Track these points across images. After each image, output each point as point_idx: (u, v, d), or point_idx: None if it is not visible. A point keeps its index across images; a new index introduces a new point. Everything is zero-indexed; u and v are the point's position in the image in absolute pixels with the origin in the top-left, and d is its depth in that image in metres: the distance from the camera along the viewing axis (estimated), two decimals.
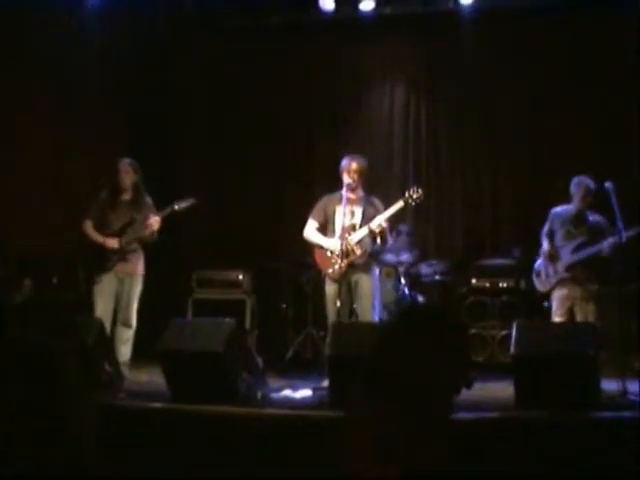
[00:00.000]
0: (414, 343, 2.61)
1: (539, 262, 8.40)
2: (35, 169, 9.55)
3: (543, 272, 8.29)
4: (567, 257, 8.14)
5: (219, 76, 11.80)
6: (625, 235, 7.42)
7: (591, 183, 8.10)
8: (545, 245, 8.33)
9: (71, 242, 8.81)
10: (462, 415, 6.23)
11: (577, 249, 8.11)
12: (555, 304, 8.20)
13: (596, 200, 7.94)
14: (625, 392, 6.92)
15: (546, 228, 8.38)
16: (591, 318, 7.96)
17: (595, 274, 8.11)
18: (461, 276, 10.45)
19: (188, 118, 11.99)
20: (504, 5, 10.50)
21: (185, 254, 11.32)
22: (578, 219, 8.19)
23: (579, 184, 8.14)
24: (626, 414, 6.25)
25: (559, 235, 8.27)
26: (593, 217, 8.18)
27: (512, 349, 6.64)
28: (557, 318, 8.10)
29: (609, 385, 6.92)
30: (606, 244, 7.86)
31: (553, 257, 8.21)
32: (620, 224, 7.42)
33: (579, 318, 8.03)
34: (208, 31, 11.40)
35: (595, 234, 8.06)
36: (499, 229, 11.11)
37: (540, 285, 8.33)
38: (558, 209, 8.35)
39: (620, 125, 10.28)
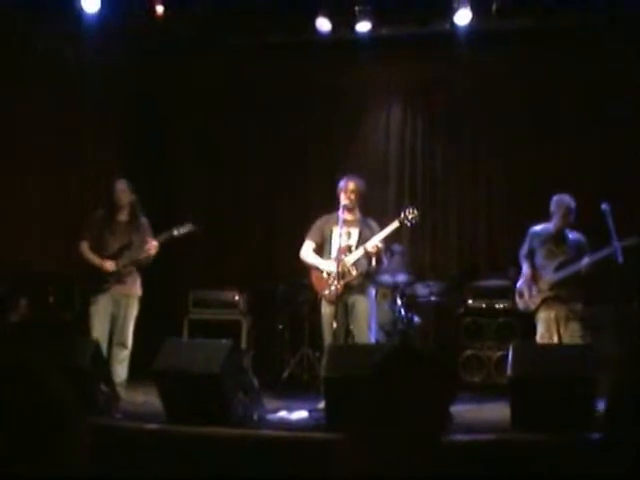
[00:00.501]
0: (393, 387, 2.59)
1: (520, 282, 8.38)
2: (32, 186, 9.53)
3: (526, 292, 8.26)
4: (550, 275, 8.13)
5: (215, 94, 11.80)
6: (621, 255, 7.43)
7: (571, 202, 8.12)
8: (525, 268, 8.34)
9: (68, 262, 8.79)
10: (458, 437, 6.25)
11: (559, 267, 8.10)
12: (542, 326, 8.15)
13: (592, 221, 7.94)
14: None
15: (525, 249, 8.38)
16: (576, 337, 7.97)
17: (580, 292, 8.13)
18: (457, 297, 10.44)
19: (184, 136, 11.99)
20: (500, 27, 10.50)
21: (181, 274, 11.32)
22: (558, 237, 8.20)
23: (559, 202, 8.14)
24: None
25: (540, 254, 8.26)
26: (573, 235, 8.20)
27: (509, 371, 6.64)
28: (544, 340, 8.07)
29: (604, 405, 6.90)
30: (585, 262, 7.89)
31: (535, 278, 8.22)
32: (617, 245, 7.43)
33: (565, 338, 8.01)
34: (205, 49, 11.40)
35: (576, 252, 8.08)
36: (495, 250, 11.12)
37: (523, 305, 8.30)
38: (537, 228, 8.34)
39: (618, 147, 10.32)
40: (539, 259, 8.25)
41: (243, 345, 10.05)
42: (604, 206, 7.60)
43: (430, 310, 10.50)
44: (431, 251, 11.42)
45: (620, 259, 7.41)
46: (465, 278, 10.68)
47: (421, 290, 10.44)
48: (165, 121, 11.90)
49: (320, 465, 5.76)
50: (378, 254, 8.07)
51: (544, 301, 8.11)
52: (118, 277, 8.30)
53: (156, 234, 8.47)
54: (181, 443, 6.33)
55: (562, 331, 8.05)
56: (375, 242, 8.02)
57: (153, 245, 8.31)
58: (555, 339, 8.04)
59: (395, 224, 8.14)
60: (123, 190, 8.44)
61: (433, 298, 10.45)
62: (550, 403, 6.34)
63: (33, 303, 9.06)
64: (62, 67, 9.82)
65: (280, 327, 10.59)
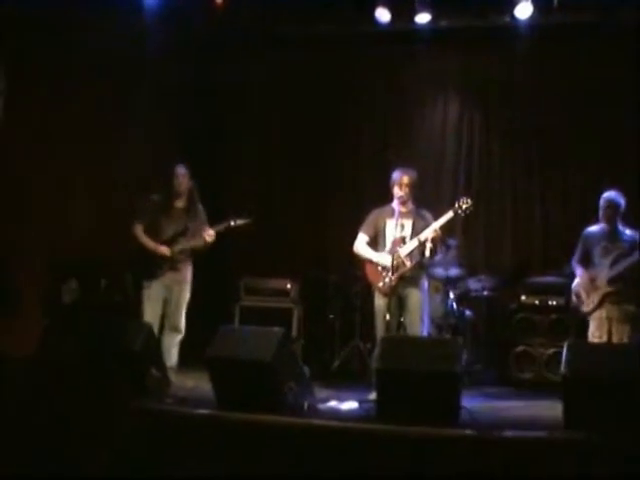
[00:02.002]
0: None
1: (575, 284, 8.35)
2: (85, 170, 9.57)
3: (583, 292, 8.22)
4: (607, 272, 8.09)
5: (269, 85, 11.81)
6: None
7: (620, 198, 8.13)
8: (579, 271, 8.30)
9: (121, 246, 8.83)
10: (509, 433, 6.22)
11: (615, 262, 8.07)
12: (594, 325, 8.14)
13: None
14: None
15: (578, 255, 8.39)
16: (625, 339, 7.94)
17: (637, 292, 8.05)
18: (510, 292, 10.37)
19: (239, 126, 12.01)
20: (562, 21, 10.39)
21: (234, 261, 11.35)
22: (612, 235, 8.18)
23: (607, 200, 8.17)
24: None
25: (595, 253, 8.24)
26: (628, 231, 8.18)
27: (563, 369, 6.55)
28: (595, 339, 8.05)
29: None
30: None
31: (592, 278, 8.16)
32: None
33: (615, 339, 7.98)
34: (261, 40, 11.41)
35: (631, 247, 8.05)
36: (549, 246, 11.01)
37: (582, 305, 8.25)
38: (590, 229, 8.36)
39: None
40: (595, 258, 8.22)
41: (293, 334, 10.07)
42: None
43: (482, 305, 10.45)
44: (485, 246, 11.34)
45: None
46: (519, 274, 10.60)
47: (474, 284, 10.39)
48: (219, 111, 11.90)
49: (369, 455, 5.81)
50: (435, 242, 8.02)
51: (602, 300, 8.04)
52: (172, 263, 8.33)
53: (210, 222, 8.49)
54: (230, 429, 6.35)
55: (613, 331, 8.00)
56: (430, 232, 7.97)
57: (210, 234, 8.33)
58: (605, 338, 7.99)
59: (450, 214, 8.09)
60: (184, 175, 8.46)
61: (485, 293, 10.40)
62: (604, 402, 6.27)
63: (84, 286, 9.13)
64: (121, 59, 9.85)
65: (331, 317, 10.61)
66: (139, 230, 8.41)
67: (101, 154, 9.71)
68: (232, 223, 8.41)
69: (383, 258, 8.11)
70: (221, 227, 8.41)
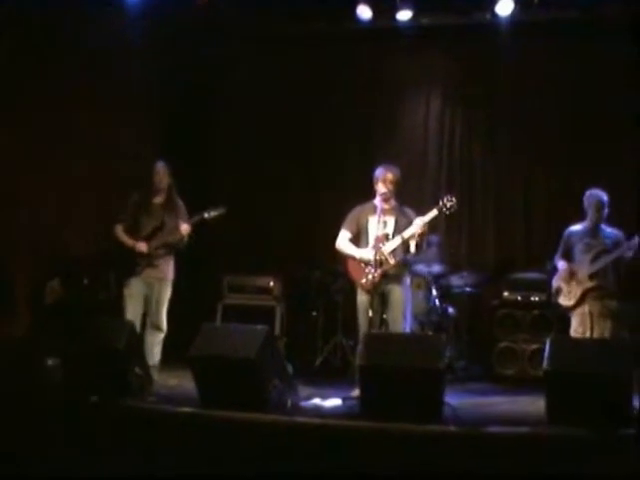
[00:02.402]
0: None
1: (556, 279, 8.38)
2: (70, 169, 9.54)
3: (564, 285, 8.25)
4: (588, 267, 8.12)
5: (252, 81, 11.79)
6: None
7: (603, 196, 8.16)
8: (561, 264, 8.34)
9: (104, 244, 8.82)
10: (493, 429, 6.24)
11: (596, 257, 8.11)
12: (576, 321, 8.17)
13: (631, 217, 7.89)
14: None
15: (560, 251, 8.42)
16: (607, 334, 7.98)
17: (618, 288, 8.11)
18: (492, 289, 10.41)
19: (222, 123, 12.01)
20: (542, 18, 10.42)
21: (216, 259, 11.34)
22: (595, 232, 8.22)
23: (591, 197, 8.20)
24: None
25: (577, 249, 8.28)
26: (609, 230, 8.22)
27: (545, 364, 6.59)
28: (577, 335, 8.07)
29: None
30: (624, 248, 7.87)
31: (573, 273, 8.19)
32: None
33: (596, 334, 8.01)
34: (246, 39, 11.40)
35: (613, 244, 8.09)
36: (532, 242, 11.05)
37: (565, 300, 8.27)
38: (573, 228, 8.39)
39: None
40: (577, 255, 8.25)
41: (276, 331, 10.05)
42: None
43: (465, 301, 10.48)
44: (467, 242, 11.38)
45: None
46: (501, 270, 10.64)
47: (456, 281, 10.41)
48: (203, 107, 11.89)
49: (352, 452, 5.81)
50: (422, 238, 8.02)
51: (584, 294, 8.07)
52: (150, 260, 8.31)
53: (189, 218, 8.48)
54: (214, 427, 6.36)
55: (595, 327, 8.03)
56: (414, 229, 7.96)
57: (184, 227, 8.32)
58: (588, 334, 8.02)
59: (434, 212, 8.06)
60: (163, 171, 8.45)
61: (468, 289, 10.42)
62: (586, 398, 6.30)
63: (67, 285, 9.12)
64: (103, 57, 9.83)
65: (314, 314, 10.63)
66: (119, 229, 8.42)
67: (84, 152, 9.68)
68: (206, 215, 8.38)
69: (366, 254, 8.09)
70: (196, 219, 8.39)
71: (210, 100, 11.94)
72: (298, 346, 10.40)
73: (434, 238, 10.05)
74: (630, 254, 7.93)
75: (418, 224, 7.97)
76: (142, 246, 8.30)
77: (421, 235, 8.01)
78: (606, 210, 8.15)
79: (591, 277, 8.07)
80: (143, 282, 8.33)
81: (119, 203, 8.69)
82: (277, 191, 11.72)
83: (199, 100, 11.83)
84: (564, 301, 8.25)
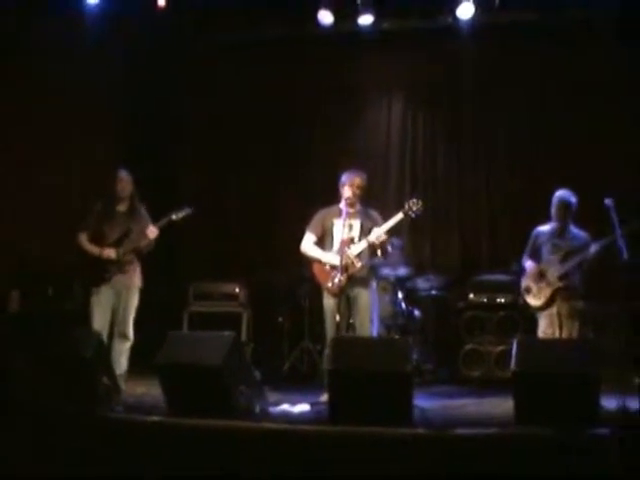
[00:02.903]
0: None
1: (524, 279, 8.39)
2: (32, 179, 9.48)
3: (534, 287, 8.27)
4: (557, 267, 8.15)
5: (216, 88, 11.77)
6: (625, 251, 7.40)
7: (571, 196, 8.18)
8: (529, 264, 8.36)
9: (68, 253, 8.75)
10: (462, 431, 6.24)
11: (565, 258, 8.13)
12: (545, 322, 8.18)
13: (596, 216, 7.91)
14: (625, 409, 6.89)
15: (528, 250, 8.43)
16: (574, 335, 8.02)
17: (585, 289, 8.15)
18: (458, 291, 10.44)
19: (185, 129, 11.97)
20: (503, 20, 10.50)
21: (182, 267, 11.31)
22: (562, 233, 8.24)
23: (559, 198, 8.21)
24: (626, 431, 6.23)
25: (545, 250, 8.29)
26: (577, 231, 8.25)
27: (513, 365, 6.61)
28: (546, 336, 8.08)
29: (608, 402, 6.89)
30: (592, 249, 7.92)
31: (542, 273, 8.22)
32: (621, 241, 7.42)
33: (564, 334, 8.04)
34: (205, 43, 11.38)
35: (581, 246, 8.10)
36: (496, 244, 11.11)
37: (533, 300, 8.29)
38: (541, 228, 8.41)
39: (623, 140, 10.32)
40: (545, 255, 8.27)
41: (243, 338, 10.04)
42: (607, 201, 7.58)
43: (431, 304, 10.50)
44: (432, 245, 11.43)
45: (625, 255, 7.38)
46: (466, 272, 10.68)
47: (422, 284, 10.44)
48: (165, 112, 11.85)
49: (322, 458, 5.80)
50: (383, 245, 8.04)
51: (553, 295, 8.11)
52: (119, 266, 8.27)
53: (155, 222, 8.44)
54: (183, 435, 6.32)
55: (563, 327, 8.06)
56: (379, 233, 7.98)
57: (152, 230, 8.30)
58: (557, 334, 8.05)
59: (399, 215, 8.08)
60: (126, 180, 8.42)
61: (434, 292, 10.46)
62: (554, 398, 6.33)
63: (28, 296, 9.06)
64: (63, 60, 9.76)
65: (280, 319, 10.63)
66: (83, 238, 8.37)
67: (43, 160, 9.61)
68: (174, 217, 8.39)
69: (332, 257, 8.10)
70: (163, 222, 8.38)
71: (174, 104, 11.90)
72: (265, 352, 10.37)
73: (396, 241, 10.05)
74: (594, 255, 7.97)
75: (382, 230, 7.99)
76: (111, 252, 8.25)
77: (383, 244, 8.03)
78: (573, 211, 8.18)
79: (561, 278, 8.10)
80: (113, 290, 8.28)
81: (82, 211, 8.63)
82: (241, 197, 11.72)
83: (163, 104, 11.78)
84: (533, 301, 8.28)
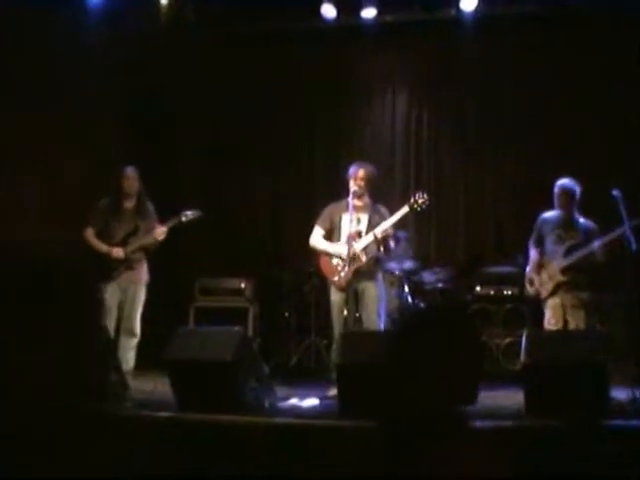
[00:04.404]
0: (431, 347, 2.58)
1: (529, 269, 8.38)
2: (35, 175, 9.44)
3: (536, 279, 8.25)
4: (560, 261, 8.11)
5: (219, 84, 11.73)
6: (634, 240, 7.38)
7: (575, 186, 8.14)
8: (533, 254, 8.33)
9: (73, 250, 8.72)
10: (478, 424, 6.22)
11: (568, 252, 8.08)
12: (549, 312, 8.15)
13: (604, 208, 7.89)
14: (635, 400, 6.89)
15: (533, 237, 8.39)
16: (581, 325, 7.97)
17: (590, 280, 8.11)
18: (464, 284, 10.42)
19: (190, 125, 11.94)
20: (506, 13, 10.48)
21: (188, 262, 11.28)
22: (567, 223, 8.19)
23: (562, 187, 8.17)
24: (636, 422, 6.23)
25: (549, 240, 8.25)
26: (582, 221, 8.19)
27: (523, 357, 6.60)
28: (551, 327, 8.07)
29: (618, 393, 6.88)
30: (596, 244, 7.88)
31: (544, 264, 8.20)
32: (629, 232, 7.39)
33: (571, 325, 8.00)
34: (208, 38, 11.35)
35: (585, 237, 8.06)
36: (502, 236, 11.08)
37: (535, 292, 8.28)
38: (546, 215, 8.35)
39: (626, 133, 10.30)
40: (548, 245, 8.23)
41: (249, 333, 10.02)
42: (615, 192, 7.56)
43: (437, 297, 10.46)
44: (438, 238, 11.41)
45: (634, 246, 7.35)
46: (473, 265, 10.65)
47: (428, 277, 10.40)
48: (169, 109, 11.82)
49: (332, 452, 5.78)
50: (387, 239, 8.04)
51: (556, 287, 8.08)
52: (128, 263, 8.27)
53: (163, 221, 8.44)
54: (193, 431, 6.30)
55: (568, 318, 8.04)
56: (385, 227, 7.98)
57: (162, 230, 8.30)
58: (560, 325, 8.03)
59: (405, 209, 8.08)
60: (133, 177, 8.41)
61: (440, 285, 10.41)
62: (565, 389, 6.32)
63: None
64: (65, 58, 9.73)
65: (286, 314, 10.60)
66: (90, 233, 8.36)
67: (47, 157, 9.58)
68: (183, 218, 8.40)
69: (339, 249, 8.09)
70: (172, 223, 8.39)
71: (176, 102, 11.85)
72: (271, 347, 10.36)
73: (402, 234, 10.03)
74: (598, 250, 7.94)
75: (388, 223, 7.99)
76: (119, 252, 8.24)
77: (386, 238, 8.03)
78: (577, 200, 8.15)
79: (563, 271, 8.07)
80: (118, 287, 8.27)
81: (86, 209, 8.61)
82: (247, 192, 11.68)
83: (165, 103, 11.74)
84: (536, 293, 8.27)
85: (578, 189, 8.11)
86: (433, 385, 2.31)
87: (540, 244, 8.32)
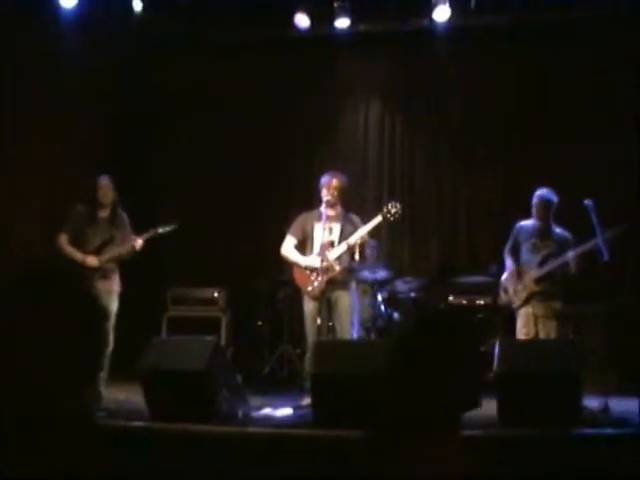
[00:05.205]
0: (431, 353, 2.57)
1: (504, 277, 8.41)
2: (16, 184, 9.41)
3: (511, 287, 8.29)
4: (534, 271, 8.15)
5: (195, 92, 11.70)
6: (607, 250, 7.41)
7: (552, 196, 8.19)
8: (508, 263, 8.37)
9: (47, 257, 8.66)
10: None
11: (543, 262, 8.13)
12: (521, 321, 8.19)
13: (576, 217, 7.93)
14: (607, 409, 6.94)
15: (509, 244, 8.43)
16: (552, 335, 8.01)
17: (563, 290, 8.15)
18: (437, 293, 10.44)
19: (166, 133, 11.89)
20: (479, 23, 10.54)
21: (160, 272, 11.23)
22: (543, 232, 8.24)
23: (539, 197, 8.22)
24: (608, 430, 6.27)
25: (525, 248, 8.30)
26: (558, 230, 8.24)
27: (495, 367, 6.64)
28: (522, 336, 8.11)
29: (590, 402, 6.92)
30: (570, 255, 7.92)
31: (519, 273, 8.23)
32: (601, 242, 7.44)
33: (542, 335, 8.04)
34: (182, 47, 11.34)
35: (560, 247, 8.11)
36: (475, 246, 11.12)
37: (508, 300, 8.32)
38: (523, 223, 8.40)
39: (606, 141, 10.39)
40: (524, 254, 8.27)
41: (222, 342, 9.99)
42: (587, 202, 7.60)
43: (410, 306, 10.47)
44: (411, 248, 11.41)
45: (606, 256, 7.39)
46: (445, 274, 10.68)
47: (401, 286, 10.40)
48: (146, 117, 11.79)
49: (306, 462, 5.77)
50: (362, 247, 8.05)
51: (529, 297, 8.12)
52: (102, 273, 8.22)
53: (139, 231, 8.42)
54: (167, 441, 6.28)
55: (539, 327, 8.08)
56: (358, 236, 8.00)
57: (138, 243, 8.26)
58: (532, 334, 8.07)
59: (378, 219, 8.11)
60: (108, 186, 8.36)
61: (413, 294, 10.42)
62: (537, 398, 6.35)
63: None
64: (43, 66, 9.70)
65: (260, 324, 10.60)
66: (63, 240, 8.26)
67: (26, 165, 9.56)
68: (160, 230, 8.39)
69: (311, 261, 8.10)
70: (148, 235, 8.36)
71: (154, 111, 11.83)
72: (244, 356, 10.34)
73: (372, 241, 10.04)
74: (572, 261, 7.98)
75: (361, 233, 8.01)
76: (93, 260, 8.18)
77: (361, 246, 8.05)
78: (554, 210, 8.19)
79: (537, 281, 8.11)
80: None
81: (62, 216, 8.57)
82: (220, 201, 11.64)
83: (141, 111, 11.71)
84: (506, 299, 8.31)
85: (556, 199, 8.15)
86: (442, 387, 2.31)
87: (515, 252, 8.36)
